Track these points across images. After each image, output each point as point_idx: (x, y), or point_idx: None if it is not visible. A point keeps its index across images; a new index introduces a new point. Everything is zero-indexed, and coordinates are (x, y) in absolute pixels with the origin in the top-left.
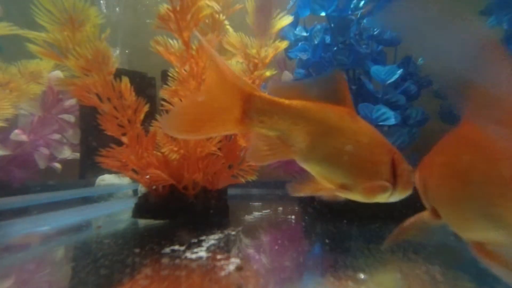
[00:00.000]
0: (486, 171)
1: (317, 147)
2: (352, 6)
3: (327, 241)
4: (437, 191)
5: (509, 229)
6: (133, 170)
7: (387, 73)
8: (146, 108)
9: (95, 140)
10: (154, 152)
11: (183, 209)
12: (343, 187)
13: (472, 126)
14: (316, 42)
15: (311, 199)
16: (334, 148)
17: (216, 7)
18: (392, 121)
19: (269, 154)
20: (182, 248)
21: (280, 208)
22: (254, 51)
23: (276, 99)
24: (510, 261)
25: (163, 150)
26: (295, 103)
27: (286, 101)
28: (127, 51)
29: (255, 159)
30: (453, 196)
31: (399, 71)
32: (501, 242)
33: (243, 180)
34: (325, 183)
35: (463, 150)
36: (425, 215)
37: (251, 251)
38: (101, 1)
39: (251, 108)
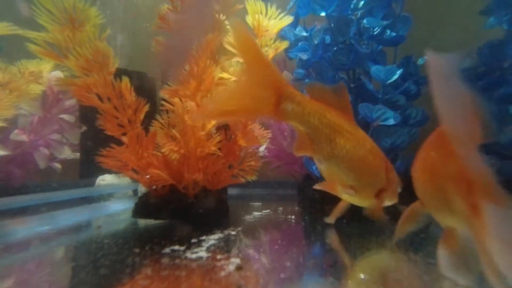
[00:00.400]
0: (441, 169)
1: (336, 150)
2: (352, 6)
3: (327, 241)
4: (417, 183)
5: (457, 215)
6: (133, 170)
7: (387, 73)
8: (146, 108)
9: (94, 140)
10: (154, 152)
11: (183, 209)
12: (352, 188)
13: (442, 130)
14: (316, 42)
15: (311, 199)
16: (348, 151)
17: (216, 7)
18: (392, 121)
19: (298, 147)
20: (182, 248)
21: (280, 208)
22: None
23: (306, 96)
24: (462, 254)
25: (163, 150)
26: (320, 103)
27: (314, 101)
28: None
29: (291, 149)
30: (424, 188)
31: (399, 71)
32: (457, 227)
33: (243, 180)
34: (336, 183)
35: (430, 150)
36: (416, 204)
37: (251, 251)
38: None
39: (285, 97)
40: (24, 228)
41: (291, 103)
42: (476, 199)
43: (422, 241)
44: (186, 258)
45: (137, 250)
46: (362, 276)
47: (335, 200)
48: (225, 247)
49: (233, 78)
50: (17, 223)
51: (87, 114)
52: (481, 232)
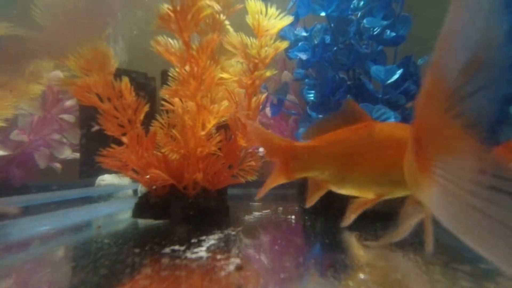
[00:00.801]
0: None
1: (348, 175)
2: (352, 6)
3: (327, 241)
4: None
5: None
6: (133, 170)
7: (387, 73)
8: (146, 108)
9: (94, 140)
10: (154, 152)
11: (183, 209)
12: (381, 195)
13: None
14: (316, 42)
15: None
16: (362, 169)
17: (217, 7)
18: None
19: (315, 193)
20: (182, 248)
21: (280, 208)
22: (254, 51)
23: (303, 144)
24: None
25: (163, 150)
26: (318, 142)
27: (312, 144)
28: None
29: (310, 202)
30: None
31: (399, 71)
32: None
33: (243, 180)
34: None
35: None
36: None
37: (251, 251)
38: None
39: (291, 158)
40: (24, 228)
41: (294, 158)
42: (427, 157)
43: (422, 242)
44: (186, 258)
45: (137, 250)
46: (362, 276)
47: (335, 200)
48: (225, 247)
49: (233, 78)
50: (17, 223)
51: (86, 115)
52: (425, 190)
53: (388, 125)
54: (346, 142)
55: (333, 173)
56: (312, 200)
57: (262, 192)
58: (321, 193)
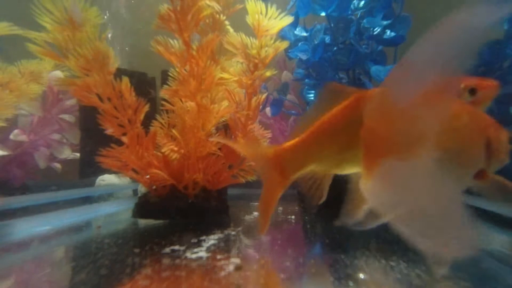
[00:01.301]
0: None
1: (346, 156)
2: (352, 6)
3: (327, 241)
4: None
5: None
6: (133, 170)
7: (387, 73)
8: (146, 108)
9: (94, 140)
10: (154, 152)
11: (183, 209)
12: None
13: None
14: (316, 42)
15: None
16: (358, 145)
17: (217, 7)
18: None
19: (318, 189)
20: (182, 248)
21: (280, 208)
22: (254, 51)
23: (293, 142)
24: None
25: (163, 150)
26: (306, 136)
27: (299, 140)
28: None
29: (317, 201)
30: None
31: None
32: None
33: (243, 180)
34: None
35: None
36: None
37: (251, 251)
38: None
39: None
40: (24, 228)
41: (287, 161)
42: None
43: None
44: (186, 258)
45: (137, 250)
46: (362, 276)
47: (335, 201)
48: (225, 247)
49: (233, 78)
50: (17, 223)
51: (87, 115)
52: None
53: (377, 92)
54: (336, 124)
55: (331, 160)
56: (321, 195)
57: (267, 215)
58: (327, 183)
